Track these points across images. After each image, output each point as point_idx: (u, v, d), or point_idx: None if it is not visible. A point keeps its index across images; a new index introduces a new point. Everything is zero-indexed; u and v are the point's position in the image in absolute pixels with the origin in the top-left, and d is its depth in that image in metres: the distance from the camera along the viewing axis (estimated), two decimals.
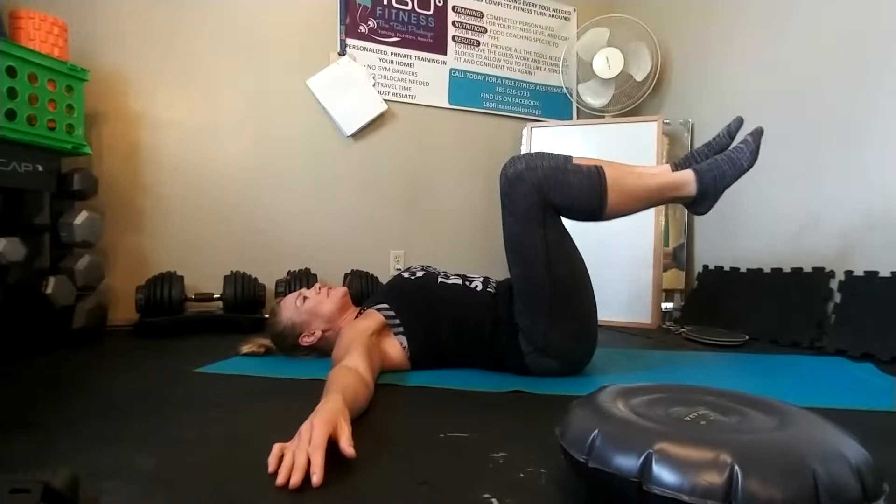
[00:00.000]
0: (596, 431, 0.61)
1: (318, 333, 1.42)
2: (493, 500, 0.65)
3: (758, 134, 1.31)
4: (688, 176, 1.28)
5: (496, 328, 1.31)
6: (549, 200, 1.20)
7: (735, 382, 1.30)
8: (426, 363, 1.34)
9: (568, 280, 1.25)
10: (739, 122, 1.38)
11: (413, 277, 1.43)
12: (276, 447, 0.73)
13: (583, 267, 1.30)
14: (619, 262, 2.29)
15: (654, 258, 2.28)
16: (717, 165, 1.28)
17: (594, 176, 1.20)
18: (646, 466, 0.54)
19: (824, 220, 1.93)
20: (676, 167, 1.34)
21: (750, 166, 1.29)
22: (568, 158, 1.30)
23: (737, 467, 0.50)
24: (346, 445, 0.72)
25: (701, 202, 1.30)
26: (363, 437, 0.85)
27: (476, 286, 1.39)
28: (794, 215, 2.03)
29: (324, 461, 0.68)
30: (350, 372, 1.00)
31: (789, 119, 2.05)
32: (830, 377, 1.37)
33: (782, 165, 2.08)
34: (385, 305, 1.36)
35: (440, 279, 1.42)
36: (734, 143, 1.34)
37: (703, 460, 0.52)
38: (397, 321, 1.33)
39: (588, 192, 1.20)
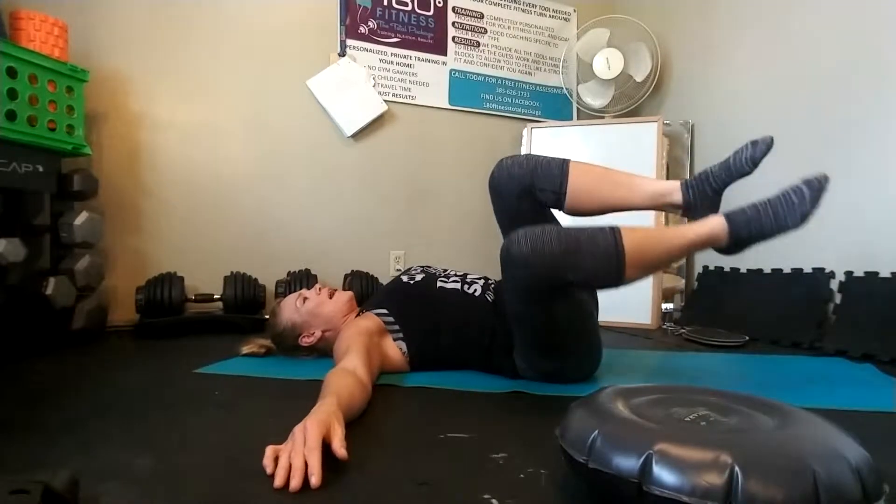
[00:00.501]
0: (596, 432, 0.61)
1: (318, 334, 1.42)
2: (493, 500, 0.65)
3: (818, 186, 1.04)
4: (719, 230, 1.08)
5: (494, 340, 1.29)
6: (558, 281, 1.04)
7: (735, 383, 1.30)
8: (425, 367, 1.33)
9: (570, 332, 1.17)
10: (767, 147, 1.12)
11: (412, 282, 1.42)
12: (270, 450, 0.73)
13: (589, 309, 1.21)
14: None
15: None
16: (756, 217, 1.06)
17: (611, 252, 1.01)
18: (646, 467, 0.54)
19: (824, 220, 1.92)
20: (688, 190, 1.17)
21: (796, 227, 1.05)
22: (563, 172, 1.20)
23: (737, 468, 0.50)
24: (339, 447, 0.72)
25: (730, 249, 1.13)
26: (363, 437, 0.85)
27: (475, 290, 1.36)
28: None
29: (320, 462, 0.68)
30: (347, 374, 1.00)
31: (789, 119, 2.05)
32: (830, 378, 1.37)
33: (782, 165, 2.08)
34: (384, 311, 1.35)
35: (439, 283, 1.39)
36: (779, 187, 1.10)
37: (703, 461, 0.52)
38: (396, 327, 1.33)
39: (604, 272, 1.03)
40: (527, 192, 1.21)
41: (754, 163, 1.13)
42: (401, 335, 1.32)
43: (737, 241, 1.09)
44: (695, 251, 1.14)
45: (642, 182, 1.22)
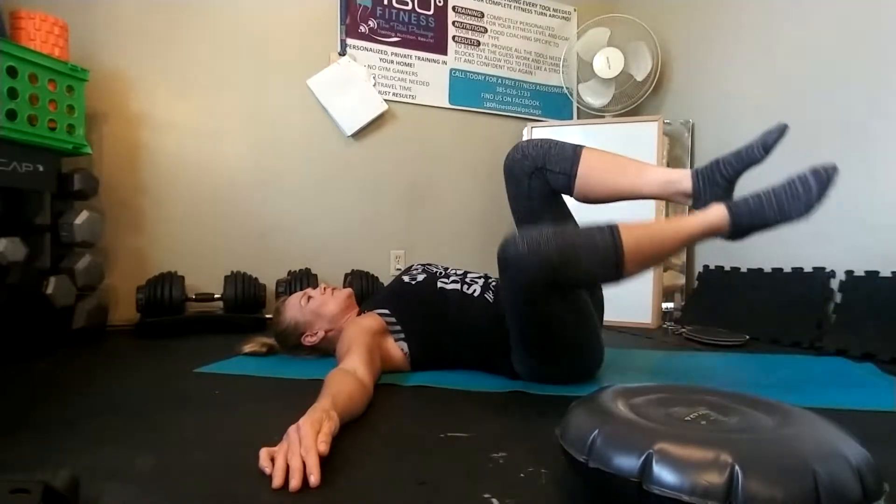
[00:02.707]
0: (596, 431, 0.61)
1: (321, 334, 1.42)
2: (493, 500, 0.65)
3: (825, 177, 1.04)
4: (720, 221, 1.08)
5: (492, 341, 1.27)
6: (556, 282, 1.03)
7: (735, 382, 1.30)
8: (426, 367, 1.33)
9: (565, 336, 1.15)
10: (780, 132, 1.10)
11: (414, 282, 1.41)
12: (264, 451, 0.73)
13: (588, 312, 1.19)
14: None
15: None
16: (758, 208, 1.05)
17: (609, 251, 1.00)
18: (646, 466, 0.54)
19: (824, 220, 1.92)
20: (698, 178, 1.15)
21: (800, 218, 1.04)
22: (576, 154, 1.22)
23: (737, 467, 0.50)
24: (320, 441, 0.72)
25: (732, 237, 1.12)
26: (363, 437, 0.86)
27: (474, 291, 1.35)
28: None
29: (318, 461, 0.69)
30: (347, 375, 1.00)
31: (789, 119, 2.02)
32: (831, 377, 1.37)
33: (782, 165, 2.07)
34: (386, 311, 1.35)
35: (440, 283, 1.38)
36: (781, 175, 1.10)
37: (703, 460, 0.52)
38: (398, 327, 1.33)
39: (602, 270, 1.03)
40: (539, 173, 1.23)
41: (766, 149, 1.10)
42: (402, 336, 1.32)
43: (738, 230, 1.09)
44: (696, 242, 1.15)
45: (652, 170, 1.22)
